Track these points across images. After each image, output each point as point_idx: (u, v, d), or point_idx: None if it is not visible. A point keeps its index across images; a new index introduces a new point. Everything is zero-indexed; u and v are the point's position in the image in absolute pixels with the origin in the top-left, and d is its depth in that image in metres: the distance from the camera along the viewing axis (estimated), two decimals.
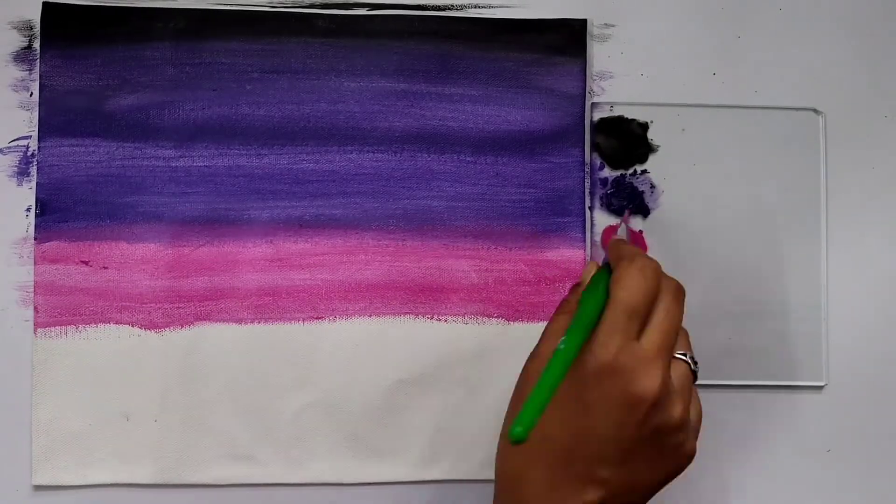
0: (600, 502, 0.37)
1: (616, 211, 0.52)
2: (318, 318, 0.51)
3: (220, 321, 0.50)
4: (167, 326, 0.50)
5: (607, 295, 0.37)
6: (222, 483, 0.50)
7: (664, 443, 0.37)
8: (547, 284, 0.51)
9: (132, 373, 0.50)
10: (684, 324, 0.40)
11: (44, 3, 0.50)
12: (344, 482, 0.50)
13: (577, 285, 0.42)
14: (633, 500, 0.38)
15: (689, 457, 0.39)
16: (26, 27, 0.51)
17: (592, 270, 0.41)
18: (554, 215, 0.52)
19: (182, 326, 0.50)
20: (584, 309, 0.37)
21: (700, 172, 0.53)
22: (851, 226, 0.53)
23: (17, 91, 0.51)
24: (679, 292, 0.39)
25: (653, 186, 0.52)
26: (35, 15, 0.50)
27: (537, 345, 0.40)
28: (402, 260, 0.51)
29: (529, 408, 0.33)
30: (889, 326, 0.53)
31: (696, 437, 0.39)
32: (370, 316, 0.51)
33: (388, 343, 0.51)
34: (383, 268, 0.51)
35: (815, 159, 0.53)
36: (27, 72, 0.51)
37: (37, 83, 0.50)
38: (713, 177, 0.53)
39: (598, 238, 0.52)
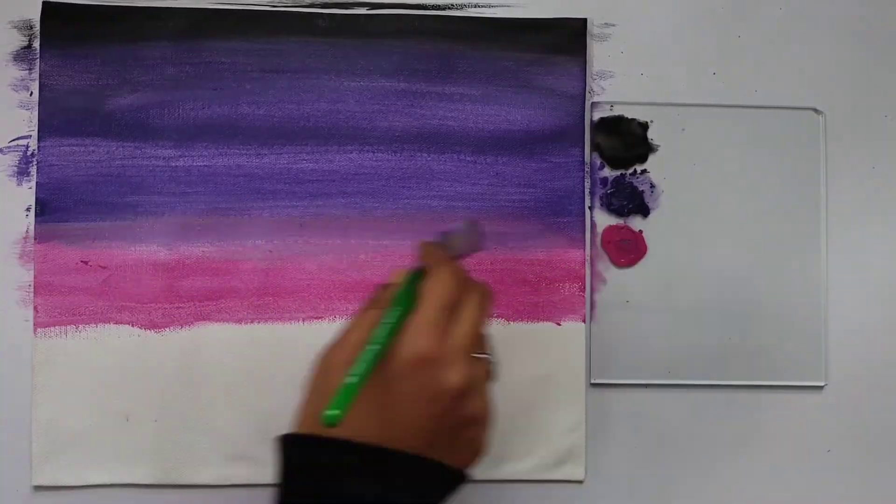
0: None
1: (616, 211, 0.52)
2: (318, 318, 0.51)
3: (220, 321, 0.50)
4: (167, 326, 0.50)
5: (416, 296, 0.39)
6: (222, 483, 0.50)
7: (462, 435, 0.38)
8: (547, 284, 0.51)
9: (132, 373, 0.50)
10: None
11: (44, 3, 0.50)
12: None
13: (386, 285, 0.42)
14: None
15: (481, 453, 0.40)
16: (26, 27, 0.51)
17: (402, 273, 0.42)
18: (554, 215, 0.52)
19: (182, 326, 0.50)
20: (398, 306, 0.38)
21: (700, 172, 0.53)
22: (851, 226, 0.53)
23: (17, 91, 0.50)
24: (485, 296, 0.40)
25: (653, 186, 0.52)
26: (35, 14, 0.50)
27: (343, 334, 0.39)
28: (402, 259, 0.51)
29: (345, 393, 0.34)
30: (889, 326, 0.53)
31: (488, 435, 0.40)
32: None
33: None
34: (383, 267, 0.51)
35: (815, 159, 0.53)
36: (27, 71, 0.50)
37: (37, 83, 0.50)
38: (713, 176, 0.53)
39: (598, 239, 0.52)
